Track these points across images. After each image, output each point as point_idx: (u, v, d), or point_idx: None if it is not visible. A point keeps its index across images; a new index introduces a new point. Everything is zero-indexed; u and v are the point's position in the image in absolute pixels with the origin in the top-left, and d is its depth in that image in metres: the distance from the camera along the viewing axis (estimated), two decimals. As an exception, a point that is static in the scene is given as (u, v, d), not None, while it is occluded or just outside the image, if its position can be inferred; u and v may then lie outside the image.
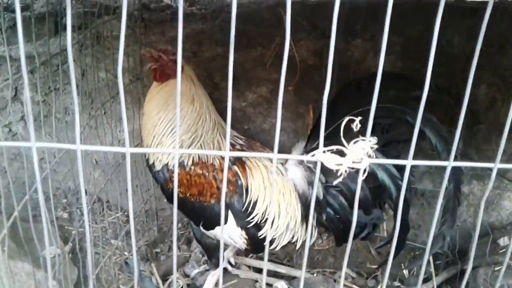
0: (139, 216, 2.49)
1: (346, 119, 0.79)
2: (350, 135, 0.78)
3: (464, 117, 0.80)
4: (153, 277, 2.23)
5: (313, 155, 0.76)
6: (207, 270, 2.28)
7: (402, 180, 1.72)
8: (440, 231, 1.61)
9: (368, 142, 0.76)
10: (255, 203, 1.82)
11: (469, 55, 2.21)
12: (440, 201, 0.84)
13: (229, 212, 1.82)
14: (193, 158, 1.78)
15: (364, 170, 0.77)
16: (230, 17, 0.65)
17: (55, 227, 1.77)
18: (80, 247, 2.19)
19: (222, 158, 1.82)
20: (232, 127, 2.41)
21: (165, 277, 2.26)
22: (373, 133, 1.80)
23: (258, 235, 1.85)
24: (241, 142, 1.94)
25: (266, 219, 1.83)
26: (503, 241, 2.08)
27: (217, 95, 2.29)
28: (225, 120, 2.02)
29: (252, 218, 1.82)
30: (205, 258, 2.36)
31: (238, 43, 2.31)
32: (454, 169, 1.61)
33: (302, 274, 0.92)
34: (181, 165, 1.78)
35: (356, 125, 0.79)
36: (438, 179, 2.42)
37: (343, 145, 0.76)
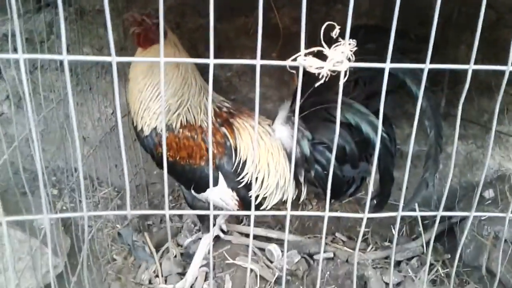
0: (129, 191, 2.50)
1: (326, 24, 0.81)
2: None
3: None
4: (146, 247, 2.25)
5: (294, 60, 0.79)
6: (200, 239, 2.30)
7: (386, 133, 1.78)
8: (423, 177, 1.64)
9: (348, 45, 0.79)
10: (244, 163, 1.85)
11: (448, 16, 2.26)
12: (419, 103, 0.86)
13: (219, 174, 1.84)
14: (181, 121, 1.80)
15: (345, 74, 0.80)
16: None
17: (49, 199, 1.79)
18: (70, 221, 2.19)
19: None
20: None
21: (158, 247, 2.27)
22: (355, 87, 1.84)
23: (249, 195, 1.87)
24: (227, 105, 1.96)
25: (256, 178, 1.86)
26: (488, 193, 2.13)
27: (201, 65, 2.30)
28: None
29: (242, 178, 1.84)
30: (197, 227, 2.38)
31: (221, 12, 2.34)
32: (435, 115, 1.65)
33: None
34: (170, 128, 1.80)
35: (335, 33, 0.81)
36: (422, 140, 2.46)
37: (323, 48, 0.78)
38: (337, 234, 2.42)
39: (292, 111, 1.90)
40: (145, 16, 1.77)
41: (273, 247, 2.19)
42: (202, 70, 2.06)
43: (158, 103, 1.79)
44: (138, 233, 2.33)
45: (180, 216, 2.49)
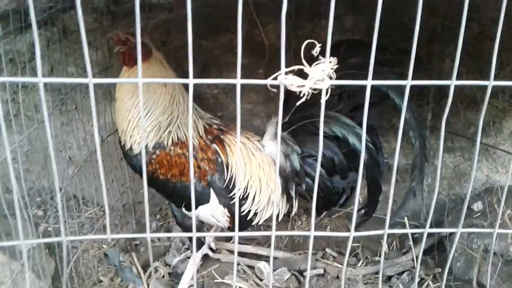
0: (116, 210, 2.46)
1: (306, 42, 0.81)
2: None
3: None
4: (133, 267, 2.21)
5: (274, 78, 0.78)
6: (188, 258, 2.26)
7: (372, 143, 1.79)
8: (411, 187, 1.66)
9: (329, 63, 0.78)
10: (234, 181, 1.83)
11: (432, 30, 2.28)
12: (402, 116, 0.86)
13: (211, 191, 1.83)
14: (172, 138, 1.78)
15: (326, 91, 0.79)
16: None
17: (31, 221, 1.75)
18: (56, 242, 2.15)
19: (201, 136, 1.83)
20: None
21: (145, 267, 2.23)
22: (340, 100, 1.84)
23: (241, 211, 1.87)
24: (217, 122, 1.95)
25: (248, 194, 1.86)
26: (476, 206, 2.12)
27: (187, 84, 2.29)
28: (197, 103, 2.04)
29: (234, 194, 1.83)
30: (186, 246, 2.35)
31: (206, 30, 2.35)
32: (419, 126, 1.67)
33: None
34: (161, 146, 1.78)
35: (316, 51, 0.81)
36: (410, 154, 2.46)
37: (304, 67, 0.78)
38: (327, 250, 2.40)
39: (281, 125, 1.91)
40: (129, 35, 1.76)
41: (262, 265, 2.16)
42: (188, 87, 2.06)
43: (149, 121, 1.77)
44: (125, 253, 2.29)
45: (168, 235, 2.46)
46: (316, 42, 0.81)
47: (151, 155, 1.77)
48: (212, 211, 1.85)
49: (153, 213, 2.59)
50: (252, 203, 1.86)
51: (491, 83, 0.85)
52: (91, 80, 0.75)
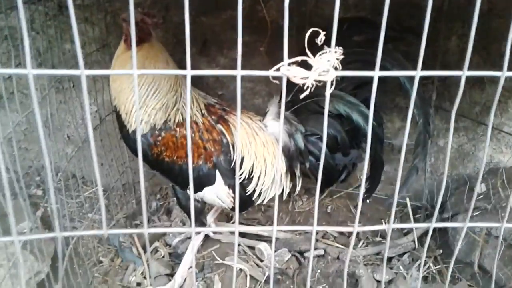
0: (116, 190, 2.44)
1: (310, 30, 0.76)
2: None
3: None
4: (134, 248, 2.20)
5: (277, 70, 0.74)
6: (188, 238, 2.25)
7: (375, 121, 1.77)
8: (413, 164, 1.66)
9: (334, 54, 0.74)
10: (242, 159, 1.82)
11: (438, 7, 2.21)
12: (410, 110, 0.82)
13: (217, 172, 1.81)
14: (176, 118, 1.75)
15: (331, 83, 0.75)
16: None
17: (26, 203, 1.73)
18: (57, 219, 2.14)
19: (205, 117, 1.80)
20: (206, 93, 2.37)
21: (146, 247, 2.22)
22: (343, 77, 1.79)
23: (246, 191, 1.86)
24: (219, 102, 1.92)
25: (253, 175, 1.85)
26: (480, 188, 2.10)
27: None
28: (194, 83, 1.99)
29: (240, 175, 1.82)
30: (186, 226, 2.34)
31: (206, 6, 2.27)
32: (423, 103, 1.64)
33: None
34: (166, 127, 1.74)
35: (320, 39, 0.76)
36: (413, 134, 2.43)
37: (308, 57, 0.73)
38: (328, 230, 2.39)
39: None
40: (145, 15, 1.69)
41: (263, 246, 2.15)
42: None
43: (156, 100, 1.72)
44: (125, 234, 2.28)
45: (169, 215, 2.44)
46: (320, 30, 0.76)
47: (156, 137, 1.74)
48: (218, 192, 1.83)
49: (153, 193, 2.58)
50: (257, 183, 1.85)
51: (504, 73, 0.81)
52: (83, 72, 0.71)
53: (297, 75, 0.73)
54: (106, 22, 2.28)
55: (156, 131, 1.73)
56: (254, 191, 1.88)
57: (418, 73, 0.80)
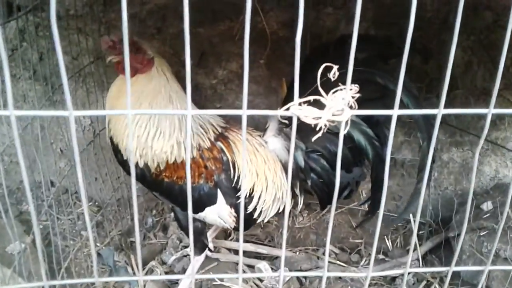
0: (110, 205, 2.37)
1: (323, 66, 0.70)
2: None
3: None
4: (129, 267, 2.13)
5: (287, 109, 0.67)
6: (185, 256, 2.18)
7: (378, 141, 1.69)
8: (417, 188, 1.59)
9: (349, 91, 0.67)
10: (241, 180, 1.75)
11: (444, 19, 2.15)
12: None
13: (218, 191, 1.73)
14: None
15: (346, 123, 0.68)
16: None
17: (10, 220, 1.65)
18: (47, 241, 2.06)
19: (203, 134, 1.72)
20: (204, 106, 2.30)
21: (142, 266, 2.15)
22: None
23: (247, 210, 1.80)
24: (219, 119, 1.85)
25: (254, 193, 1.79)
26: (486, 206, 2.03)
27: (184, 73, 2.16)
28: (192, 96, 1.92)
29: (240, 193, 1.75)
30: (183, 244, 2.26)
31: (203, 16, 2.20)
32: (428, 127, 1.57)
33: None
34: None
35: (333, 74, 0.70)
36: (417, 148, 2.37)
37: (321, 96, 0.67)
38: (329, 247, 2.32)
39: (282, 122, 1.80)
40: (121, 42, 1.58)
41: (262, 265, 2.08)
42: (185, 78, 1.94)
43: (161, 141, 1.62)
44: (120, 251, 2.20)
45: (165, 231, 2.37)
46: (333, 65, 0.70)
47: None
48: (219, 212, 1.76)
49: (149, 208, 2.50)
50: (258, 202, 1.79)
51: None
52: (71, 113, 0.64)
53: (309, 115, 0.66)
54: (100, 33, 2.21)
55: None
56: (255, 209, 1.81)
57: (441, 111, 0.74)
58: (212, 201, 1.74)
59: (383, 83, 1.58)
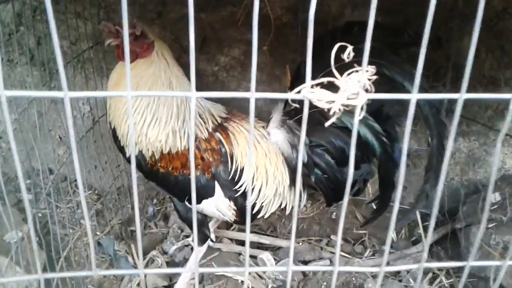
0: (110, 194, 2.33)
1: (337, 45, 0.65)
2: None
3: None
4: (129, 257, 2.09)
5: (298, 92, 0.62)
6: (186, 246, 2.15)
7: (385, 137, 1.62)
8: (424, 188, 1.49)
9: (365, 73, 0.62)
10: (242, 170, 1.69)
11: (452, 6, 2.09)
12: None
13: (216, 183, 1.68)
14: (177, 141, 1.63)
15: (362, 108, 0.64)
16: None
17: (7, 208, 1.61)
18: (46, 230, 2.02)
19: (202, 124, 1.67)
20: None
21: (142, 255, 2.12)
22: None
23: (247, 204, 1.72)
24: (220, 108, 1.79)
25: (254, 186, 1.71)
26: (494, 197, 1.99)
27: (185, 59, 2.12)
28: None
29: (240, 186, 1.69)
30: (184, 233, 2.23)
31: (206, 1, 2.14)
32: (438, 124, 1.46)
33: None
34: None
35: (348, 54, 0.65)
36: (422, 138, 2.32)
37: (335, 78, 0.62)
38: (332, 237, 2.29)
39: (286, 113, 1.74)
40: (120, 26, 1.53)
41: (265, 256, 2.05)
42: (186, 64, 1.88)
43: (156, 129, 1.58)
44: (120, 241, 2.17)
45: (166, 220, 2.33)
46: (348, 44, 0.65)
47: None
48: (217, 205, 1.71)
49: (149, 197, 2.46)
50: (258, 196, 1.73)
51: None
52: (66, 94, 0.59)
53: (322, 98, 0.61)
54: (100, 18, 2.15)
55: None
56: (254, 204, 1.74)
57: (463, 95, 0.68)
58: (209, 193, 1.68)
59: (390, 75, 1.46)
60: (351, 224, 2.37)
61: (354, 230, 2.33)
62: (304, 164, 1.72)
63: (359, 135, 1.62)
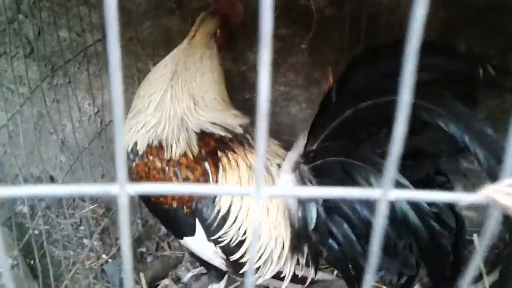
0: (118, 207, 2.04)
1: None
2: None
3: None
4: (138, 286, 1.81)
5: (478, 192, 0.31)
6: (203, 274, 1.86)
7: (435, 220, 1.10)
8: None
9: None
10: (224, 216, 1.30)
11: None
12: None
13: (197, 221, 1.32)
14: (148, 142, 1.32)
15: None
16: None
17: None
18: (43, 252, 1.74)
19: (190, 148, 1.33)
20: (230, 97, 1.94)
21: (153, 282, 1.84)
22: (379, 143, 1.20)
23: (235, 257, 1.33)
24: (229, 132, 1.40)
25: (244, 240, 1.32)
26: None
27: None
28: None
29: (225, 233, 1.31)
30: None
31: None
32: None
33: None
34: (137, 153, 1.33)
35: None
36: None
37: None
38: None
39: (305, 154, 1.30)
40: None
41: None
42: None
43: (136, 119, 1.36)
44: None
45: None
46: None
47: (131, 163, 1.33)
48: (201, 247, 1.36)
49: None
50: (245, 252, 1.32)
51: None
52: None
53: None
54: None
55: (130, 155, 1.33)
56: (243, 258, 1.34)
57: None
58: (189, 231, 1.34)
59: (447, 129, 1.00)
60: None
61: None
62: (315, 230, 1.29)
63: (393, 208, 1.11)
